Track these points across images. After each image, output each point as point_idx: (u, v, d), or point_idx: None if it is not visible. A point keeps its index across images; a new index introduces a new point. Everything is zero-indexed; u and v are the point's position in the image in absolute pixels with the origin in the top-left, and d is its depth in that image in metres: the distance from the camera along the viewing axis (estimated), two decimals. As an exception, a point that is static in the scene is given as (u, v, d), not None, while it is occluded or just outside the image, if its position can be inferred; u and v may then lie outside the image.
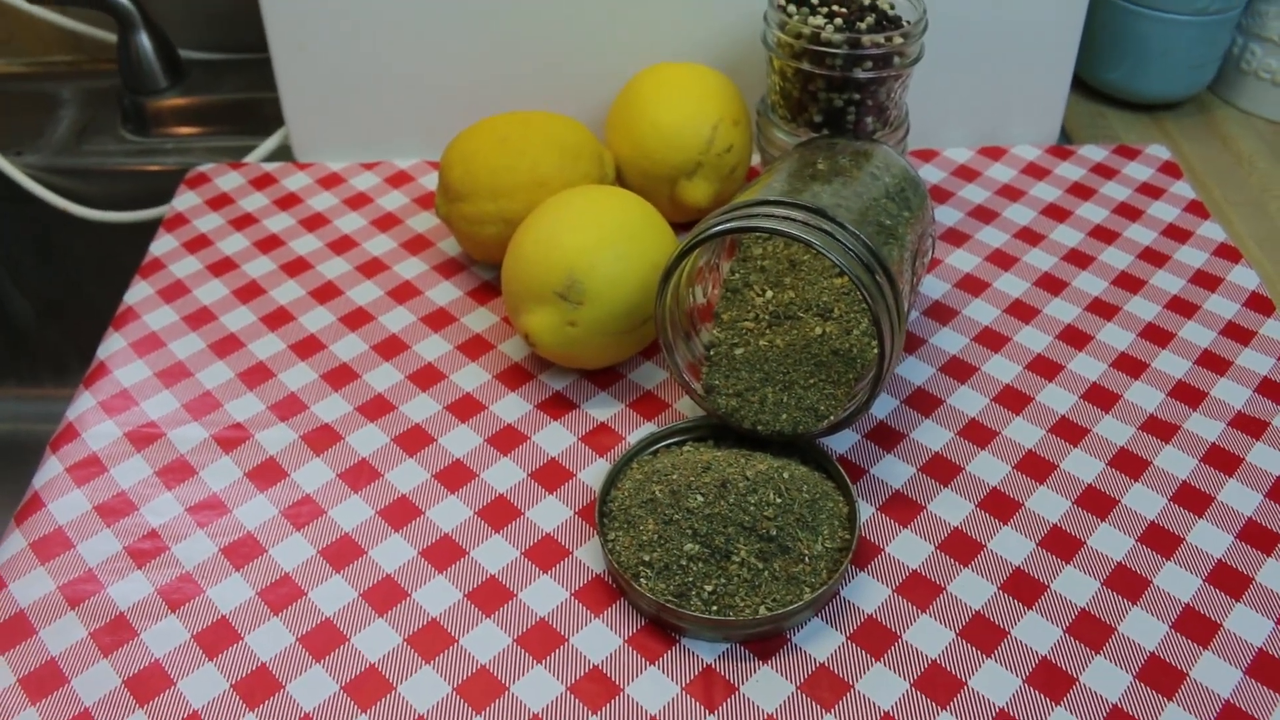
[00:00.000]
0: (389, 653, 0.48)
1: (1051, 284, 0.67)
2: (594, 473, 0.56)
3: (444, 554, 0.52)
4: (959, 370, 0.61)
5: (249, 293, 0.67)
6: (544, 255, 0.56)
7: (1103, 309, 0.65)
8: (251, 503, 0.55)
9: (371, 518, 0.54)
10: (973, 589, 0.50)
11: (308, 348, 0.63)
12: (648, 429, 0.58)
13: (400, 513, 0.54)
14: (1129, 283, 0.67)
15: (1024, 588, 0.50)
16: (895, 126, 0.65)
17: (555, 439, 0.58)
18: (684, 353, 0.55)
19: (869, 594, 0.50)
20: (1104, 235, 0.70)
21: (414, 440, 0.58)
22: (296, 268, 0.69)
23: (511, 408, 0.59)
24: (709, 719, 0.46)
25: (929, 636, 0.49)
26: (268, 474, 0.56)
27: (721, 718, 0.46)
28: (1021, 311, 0.65)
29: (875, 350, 0.55)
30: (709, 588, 0.48)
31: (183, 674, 0.47)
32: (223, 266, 0.69)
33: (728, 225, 0.49)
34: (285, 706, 0.46)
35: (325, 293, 0.67)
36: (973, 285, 0.67)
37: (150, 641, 0.49)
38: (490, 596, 0.50)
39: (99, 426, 0.58)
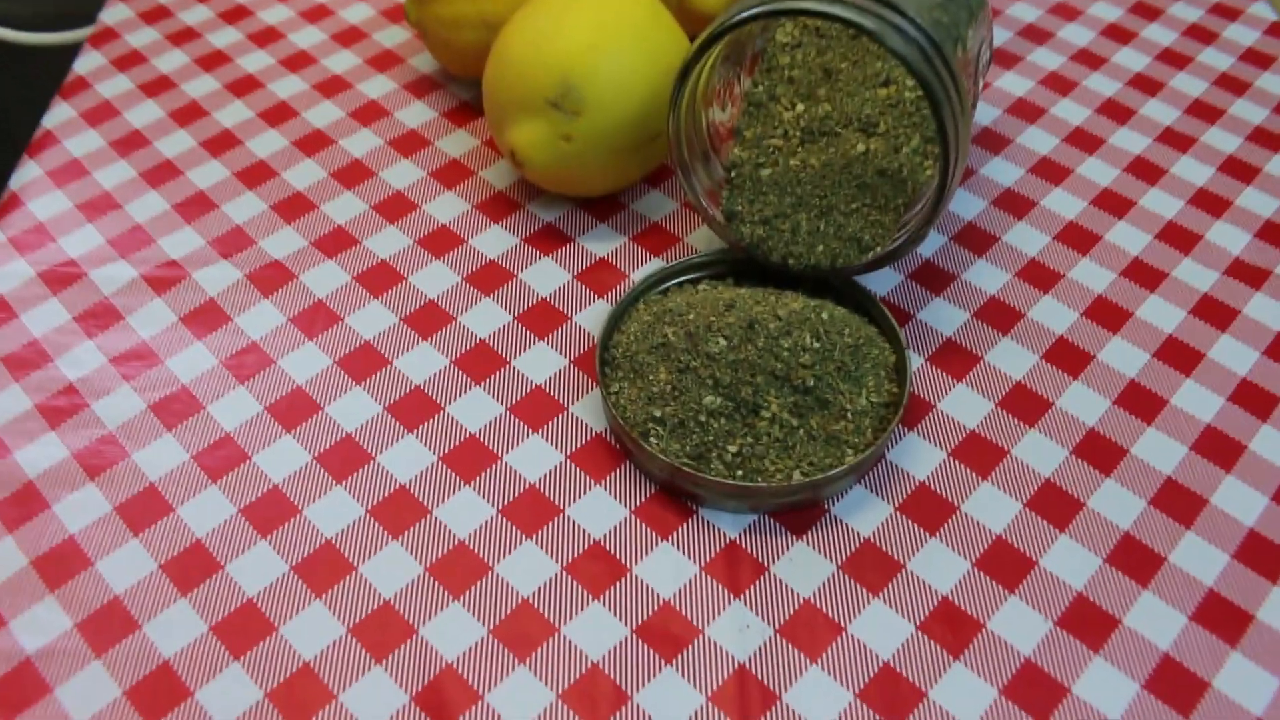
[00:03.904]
0: (347, 527, 0.42)
1: (1116, 111, 0.59)
2: (592, 315, 0.49)
3: (414, 410, 0.46)
4: (1015, 204, 0.53)
5: (189, 115, 0.59)
6: (534, 57, 0.48)
7: (1176, 140, 0.57)
8: (187, 351, 0.48)
9: (329, 368, 0.47)
10: (1041, 453, 0.44)
11: (256, 175, 0.55)
12: (655, 265, 0.51)
13: (363, 362, 0.47)
14: (1205, 112, 0.59)
15: (1100, 452, 0.44)
16: (945, -82, 0.55)
17: (546, 277, 0.51)
18: (701, 176, 0.46)
19: (920, 458, 0.44)
20: (1173, 59, 0.62)
21: (380, 279, 0.51)
22: (244, 87, 0.60)
23: (494, 241, 0.52)
24: (734, 604, 0.40)
25: (992, 508, 0.42)
26: (207, 318, 0.49)
27: (748, 602, 0.40)
28: (1084, 141, 0.57)
29: (928, 170, 0.46)
30: (733, 448, 0.41)
31: (102, 552, 0.41)
32: (158, 86, 0.61)
33: (764, 9, 0.40)
34: (223, 589, 0.40)
35: (278, 114, 0.59)
36: (1027, 111, 0.59)
37: (64, 514, 0.42)
38: (469, 460, 0.44)
39: (9, 265, 0.51)
